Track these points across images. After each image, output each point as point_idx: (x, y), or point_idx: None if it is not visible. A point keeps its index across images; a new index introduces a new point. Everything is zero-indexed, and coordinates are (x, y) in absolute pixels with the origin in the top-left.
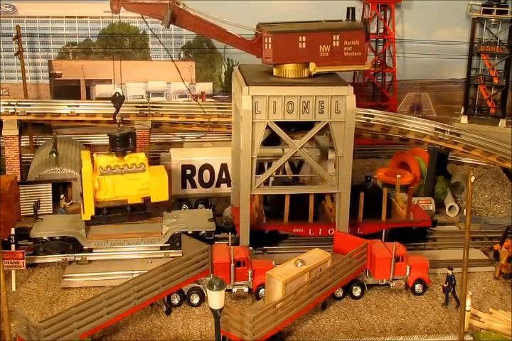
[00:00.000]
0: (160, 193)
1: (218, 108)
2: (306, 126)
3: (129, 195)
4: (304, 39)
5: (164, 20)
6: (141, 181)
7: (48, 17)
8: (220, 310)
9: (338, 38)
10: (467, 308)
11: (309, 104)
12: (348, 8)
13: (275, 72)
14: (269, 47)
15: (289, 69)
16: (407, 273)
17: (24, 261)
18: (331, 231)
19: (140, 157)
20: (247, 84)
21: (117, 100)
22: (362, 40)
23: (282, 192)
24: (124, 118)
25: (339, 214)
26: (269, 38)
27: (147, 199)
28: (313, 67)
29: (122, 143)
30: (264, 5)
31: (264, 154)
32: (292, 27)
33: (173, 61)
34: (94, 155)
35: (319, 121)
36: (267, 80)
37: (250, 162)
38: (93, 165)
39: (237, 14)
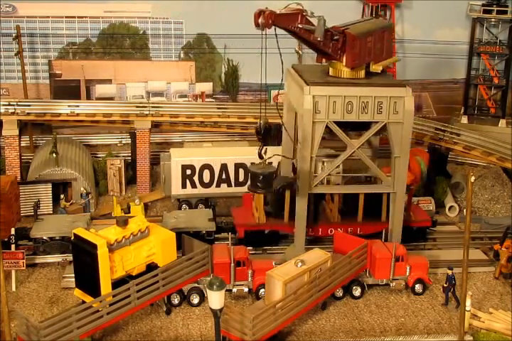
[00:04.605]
0: (168, 255)
1: (218, 108)
2: (361, 126)
3: (135, 265)
4: (371, 39)
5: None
6: (147, 247)
7: (48, 17)
8: (220, 310)
9: (385, 35)
10: (467, 308)
11: (368, 104)
12: (372, 6)
13: (331, 71)
14: (357, 50)
15: (346, 70)
16: (407, 273)
17: (24, 261)
18: (331, 231)
19: (141, 219)
20: (308, 84)
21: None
22: (392, 36)
23: (339, 192)
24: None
25: (393, 214)
26: (357, 41)
27: (154, 266)
28: (375, 65)
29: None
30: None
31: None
32: (359, 28)
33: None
34: (92, 230)
35: (376, 122)
36: (325, 80)
37: (309, 161)
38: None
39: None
